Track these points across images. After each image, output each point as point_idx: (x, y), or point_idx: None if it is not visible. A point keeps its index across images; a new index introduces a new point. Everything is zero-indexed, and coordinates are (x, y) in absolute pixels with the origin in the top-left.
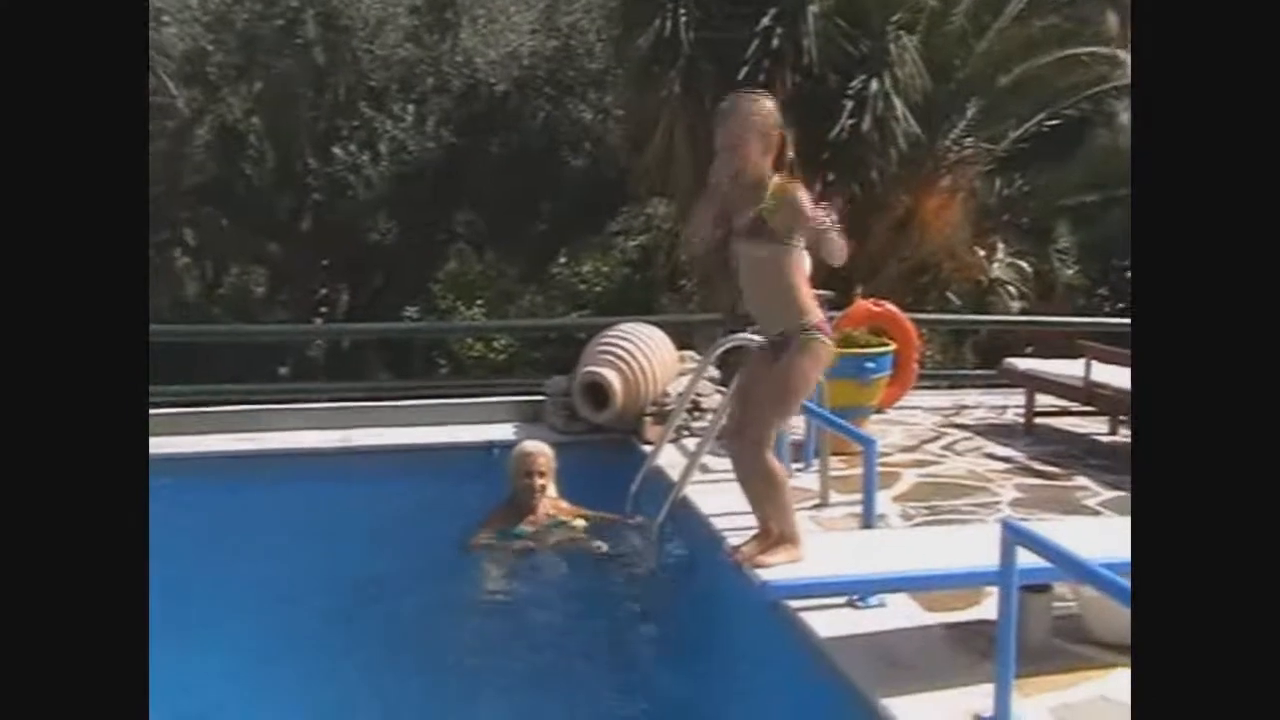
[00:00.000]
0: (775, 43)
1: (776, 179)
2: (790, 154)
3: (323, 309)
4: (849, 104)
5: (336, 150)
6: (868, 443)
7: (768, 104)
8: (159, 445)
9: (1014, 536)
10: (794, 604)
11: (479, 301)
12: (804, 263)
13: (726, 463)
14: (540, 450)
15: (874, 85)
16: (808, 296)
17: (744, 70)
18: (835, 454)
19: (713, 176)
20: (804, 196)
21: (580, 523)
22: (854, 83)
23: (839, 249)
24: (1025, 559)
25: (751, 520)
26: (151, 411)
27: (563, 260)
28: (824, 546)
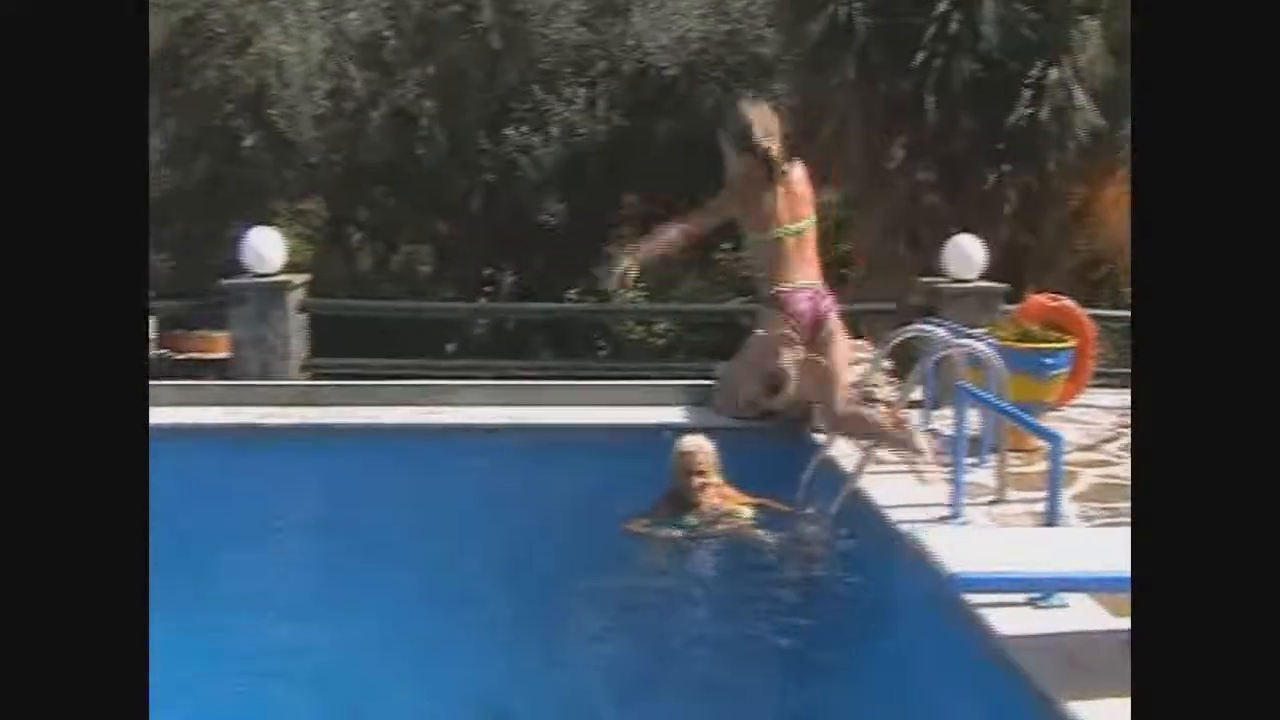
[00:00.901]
0: (952, 29)
1: None
2: (761, 145)
3: (488, 288)
4: (1027, 92)
5: (508, 131)
6: (1054, 439)
7: (740, 112)
8: (330, 415)
9: None
10: (972, 600)
11: (640, 284)
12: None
13: (902, 455)
14: (699, 448)
15: (1054, 73)
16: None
17: (919, 57)
18: (1011, 450)
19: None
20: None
21: (748, 511)
22: (1033, 70)
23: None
24: None
25: (929, 511)
26: (326, 383)
27: (726, 246)
28: (1010, 542)
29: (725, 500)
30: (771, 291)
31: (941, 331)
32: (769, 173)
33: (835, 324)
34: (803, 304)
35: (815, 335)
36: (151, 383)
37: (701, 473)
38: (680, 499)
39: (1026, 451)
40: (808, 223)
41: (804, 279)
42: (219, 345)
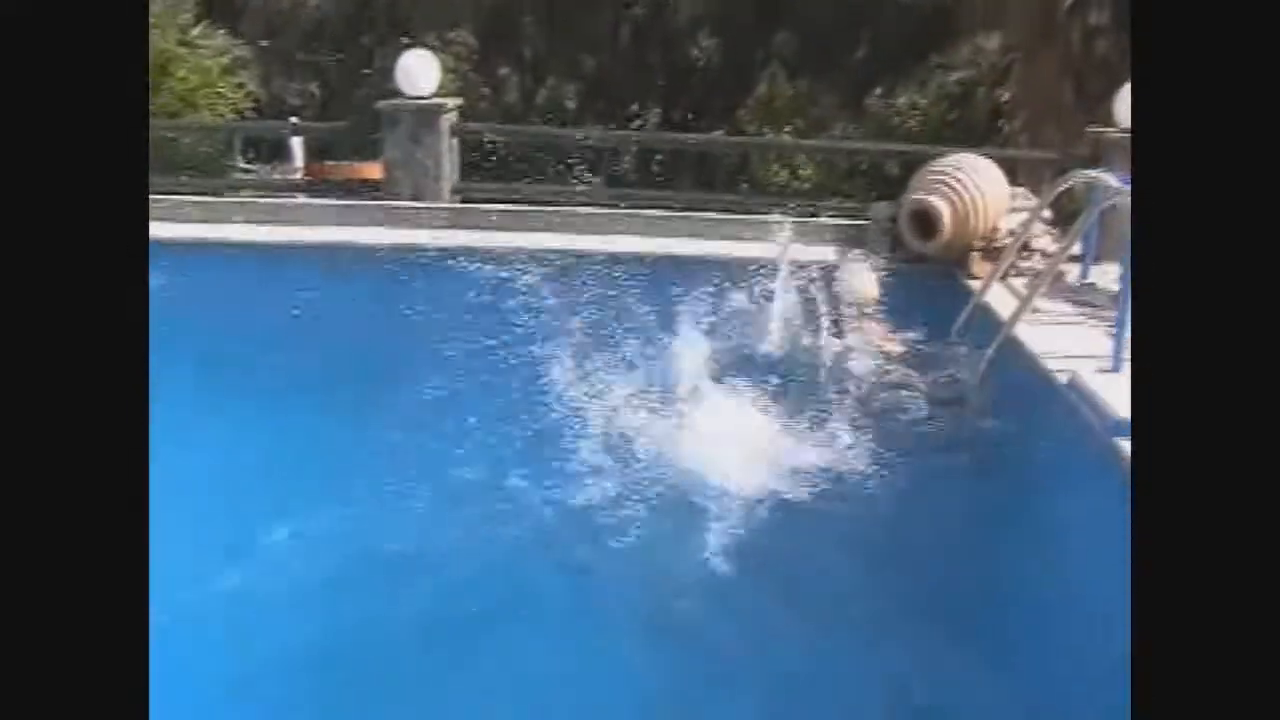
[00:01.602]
0: None
1: None
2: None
3: (632, 125)
4: None
5: None
6: None
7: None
8: (484, 238)
9: None
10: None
11: (786, 130)
12: None
13: (1056, 305)
14: (859, 278)
15: None
16: None
17: None
18: None
19: None
20: None
21: (898, 348)
22: None
23: None
24: None
25: (1088, 363)
26: (478, 206)
27: (878, 92)
28: None
29: (879, 334)
30: None
31: (1110, 179)
32: None
33: None
34: None
35: None
36: (307, 200)
37: (858, 303)
38: (836, 327)
39: None
40: None
41: None
42: (365, 174)
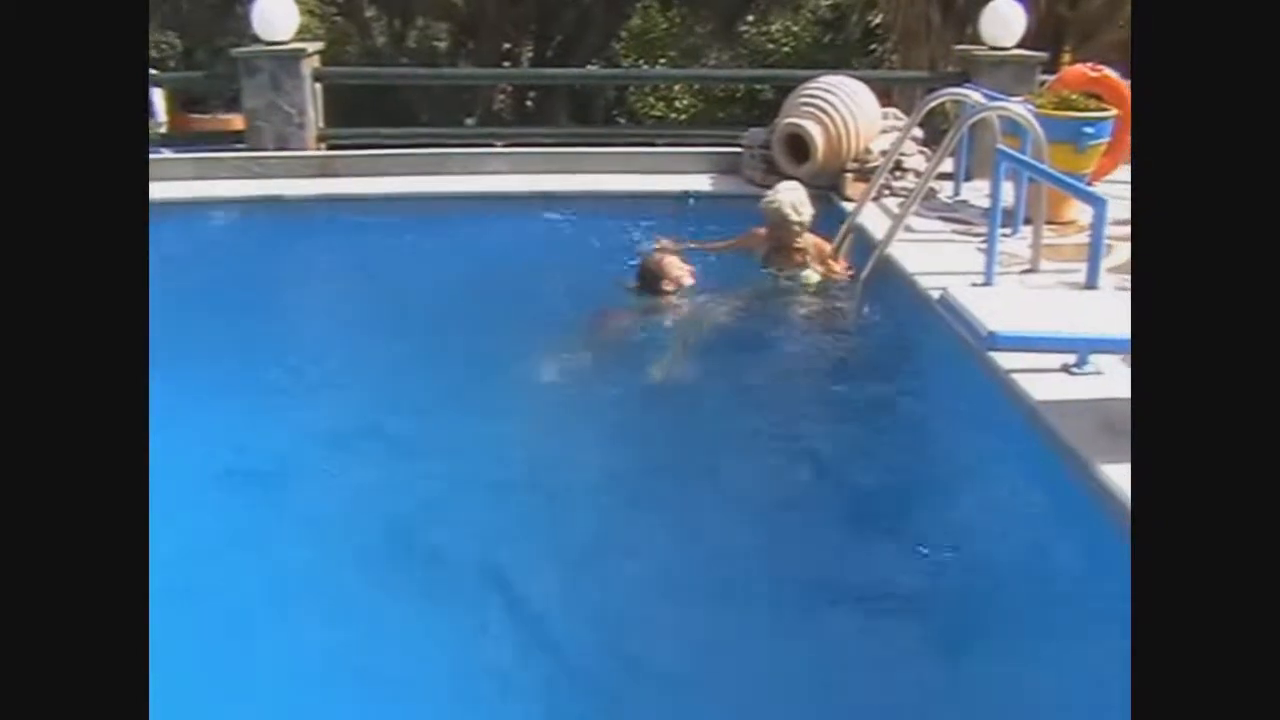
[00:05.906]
0: None
1: None
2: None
3: (505, 63)
4: None
5: None
6: (1098, 202)
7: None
8: (352, 185)
9: None
10: (1006, 366)
11: (661, 60)
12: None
13: (930, 223)
14: (793, 213)
15: None
16: None
17: None
18: (1046, 223)
19: None
20: None
21: (840, 269)
22: None
23: None
24: None
25: (962, 280)
26: (348, 152)
27: (750, 19)
28: (1050, 303)
29: (818, 254)
30: None
31: (977, 95)
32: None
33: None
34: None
35: None
36: (169, 155)
37: (779, 225)
38: (772, 240)
39: (1061, 224)
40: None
41: None
42: (234, 125)
